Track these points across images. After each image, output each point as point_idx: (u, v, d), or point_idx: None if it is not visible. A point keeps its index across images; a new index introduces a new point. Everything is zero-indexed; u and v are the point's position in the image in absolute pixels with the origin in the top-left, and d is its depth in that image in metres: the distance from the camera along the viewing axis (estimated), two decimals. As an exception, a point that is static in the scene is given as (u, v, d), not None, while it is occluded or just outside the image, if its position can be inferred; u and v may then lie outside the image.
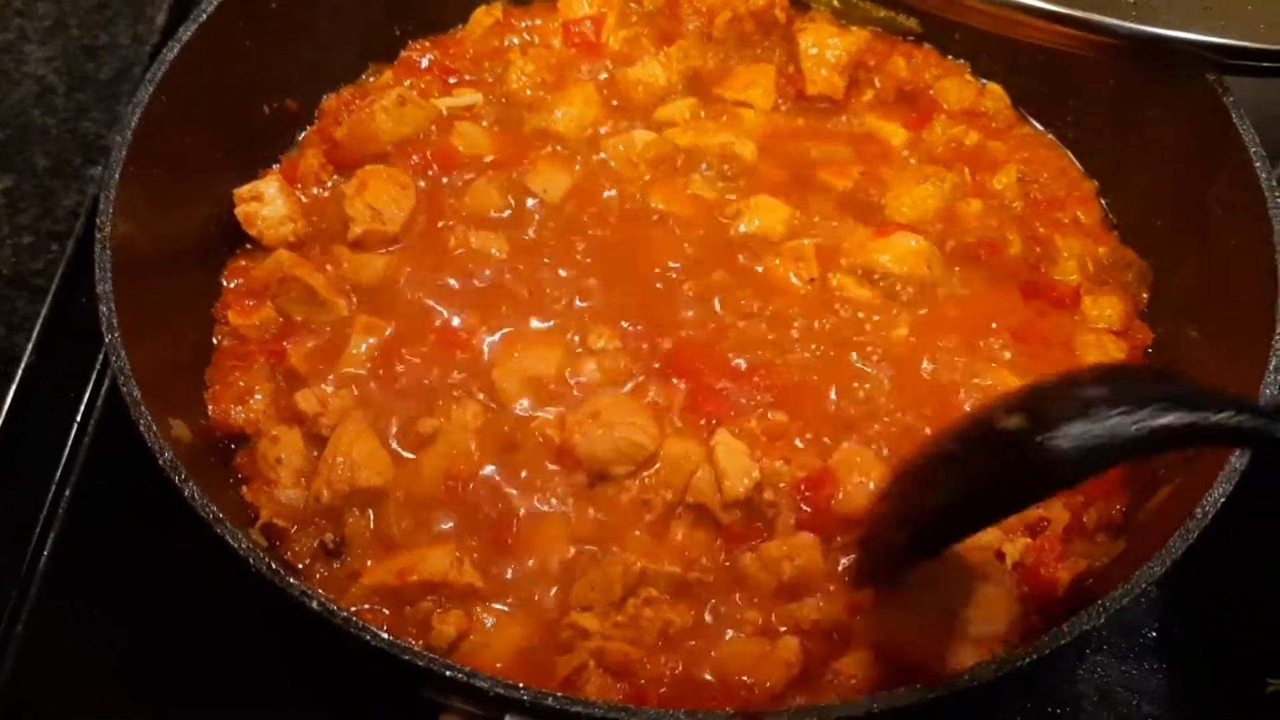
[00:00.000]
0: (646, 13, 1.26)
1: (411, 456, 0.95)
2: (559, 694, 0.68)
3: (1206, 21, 0.97)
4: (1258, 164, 0.93)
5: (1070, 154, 1.17)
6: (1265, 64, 0.98)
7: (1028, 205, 1.13)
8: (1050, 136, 1.18)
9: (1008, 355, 1.02)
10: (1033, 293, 1.06)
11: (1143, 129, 1.08)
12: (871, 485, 0.91)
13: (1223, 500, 0.76)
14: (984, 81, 1.21)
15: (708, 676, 0.82)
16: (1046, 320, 1.05)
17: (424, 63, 1.20)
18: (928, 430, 0.97)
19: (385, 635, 0.69)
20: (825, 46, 1.20)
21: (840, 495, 0.92)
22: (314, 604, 0.70)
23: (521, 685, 0.67)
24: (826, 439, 0.97)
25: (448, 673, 0.67)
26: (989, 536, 0.91)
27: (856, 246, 1.07)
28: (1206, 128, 0.99)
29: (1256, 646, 0.93)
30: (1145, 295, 1.07)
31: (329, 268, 1.04)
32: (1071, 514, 0.94)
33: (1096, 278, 1.08)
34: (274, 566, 0.72)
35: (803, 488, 0.93)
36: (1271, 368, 0.82)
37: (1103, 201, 1.13)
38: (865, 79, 1.22)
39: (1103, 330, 1.04)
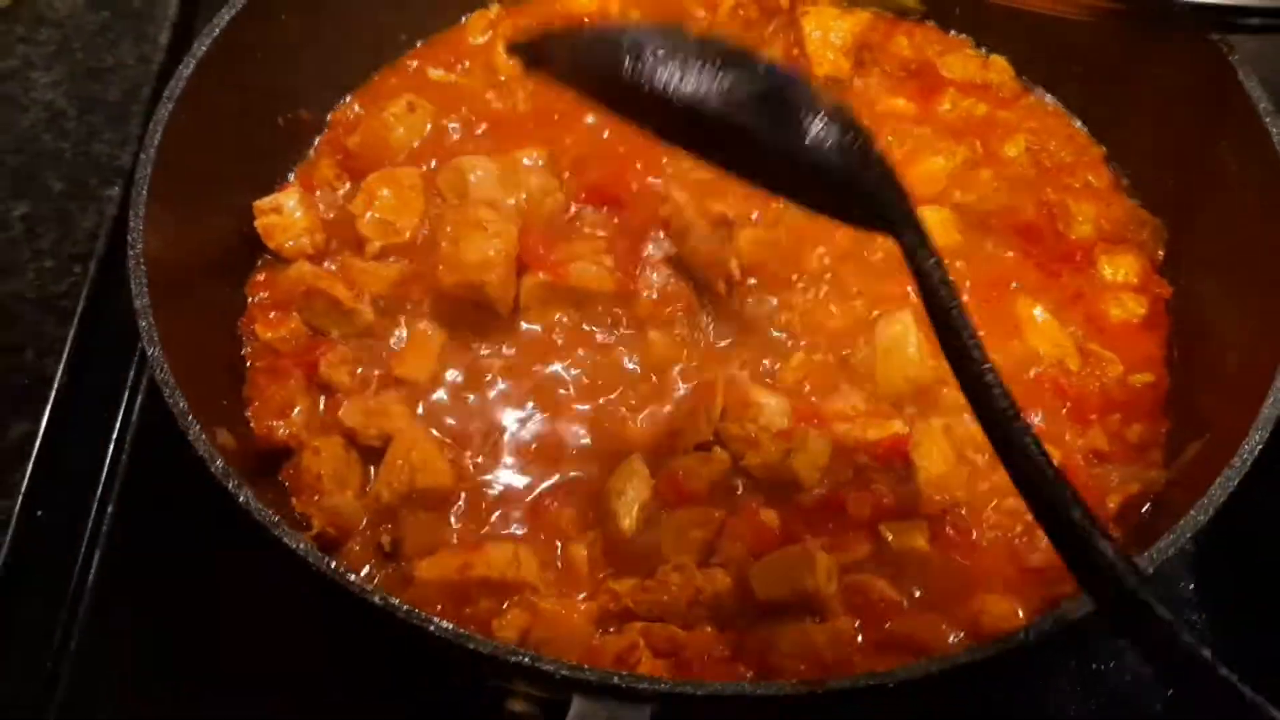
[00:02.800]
0: (650, 3, 1.28)
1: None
2: (624, 673, 0.69)
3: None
4: (1266, 119, 0.95)
5: (1077, 120, 1.18)
6: (1267, 21, 1.01)
7: (1039, 172, 1.14)
8: (1056, 104, 1.19)
9: (1039, 315, 1.04)
10: (1049, 255, 1.08)
11: (1147, 91, 1.09)
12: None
13: (1260, 447, 0.77)
14: (987, 54, 1.23)
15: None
16: (1064, 281, 1.07)
17: (413, 66, 1.21)
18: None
19: (448, 625, 0.70)
20: (829, 29, 1.21)
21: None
22: (375, 599, 0.71)
23: (587, 666, 0.68)
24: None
25: (512, 659, 0.68)
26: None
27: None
28: (1212, 86, 1.00)
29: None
30: (1161, 252, 1.08)
31: (346, 279, 1.05)
32: (1109, 434, 0.96)
33: (1111, 237, 1.09)
34: (333, 564, 0.73)
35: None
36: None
37: (1112, 165, 1.15)
38: (870, 59, 1.23)
39: (1120, 286, 1.06)
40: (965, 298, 0.99)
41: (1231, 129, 0.99)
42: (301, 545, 0.74)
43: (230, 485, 0.76)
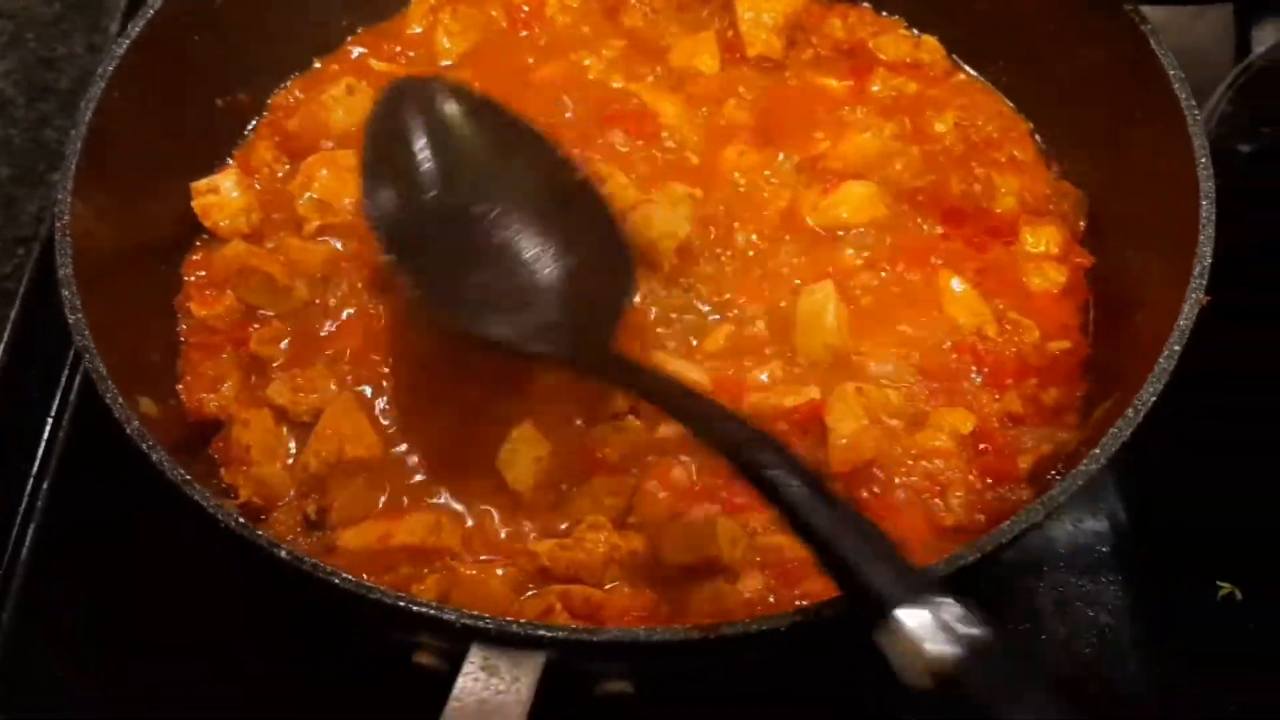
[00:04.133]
0: (593, -12, 1.30)
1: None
2: (523, 620, 0.70)
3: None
4: (1176, 85, 0.97)
5: (1004, 96, 1.20)
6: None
7: (967, 148, 1.16)
8: (984, 81, 1.21)
9: (960, 287, 1.06)
10: (974, 228, 1.10)
11: (1069, 66, 1.12)
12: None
13: (1154, 399, 0.79)
14: (919, 34, 1.25)
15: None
16: (989, 254, 1.08)
17: (356, 52, 1.23)
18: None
19: (350, 577, 0.72)
20: (762, 10, 1.23)
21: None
22: (282, 553, 0.72)
23: (487, 615, 0.70)
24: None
25: (414, 607, 0.70)
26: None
27: (810, 208, 1.11)
28: (1128, 59, 1.02)
29: (1207, 553, 0.97)
30: (1083, 223, 1.10)
31: (282, 257, 1.06)
32: (1024, 398, 0.98)
33: (1035, 209, 1.11)
34: (242, 521, 0.75)
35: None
36: (1194, 281, 0.85)
37: (1037, 138, 1.17)
38: (804, 39, 1.25)
39: (1041, 256, 1.08)
40: (888, 271, 1.07)
41: (1146, 100, 1.01)
42: (213, 504, 0.76)
43: (145, 445, 0.78)
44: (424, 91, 1.02)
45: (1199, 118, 0.94)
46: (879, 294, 1.06)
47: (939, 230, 1.10)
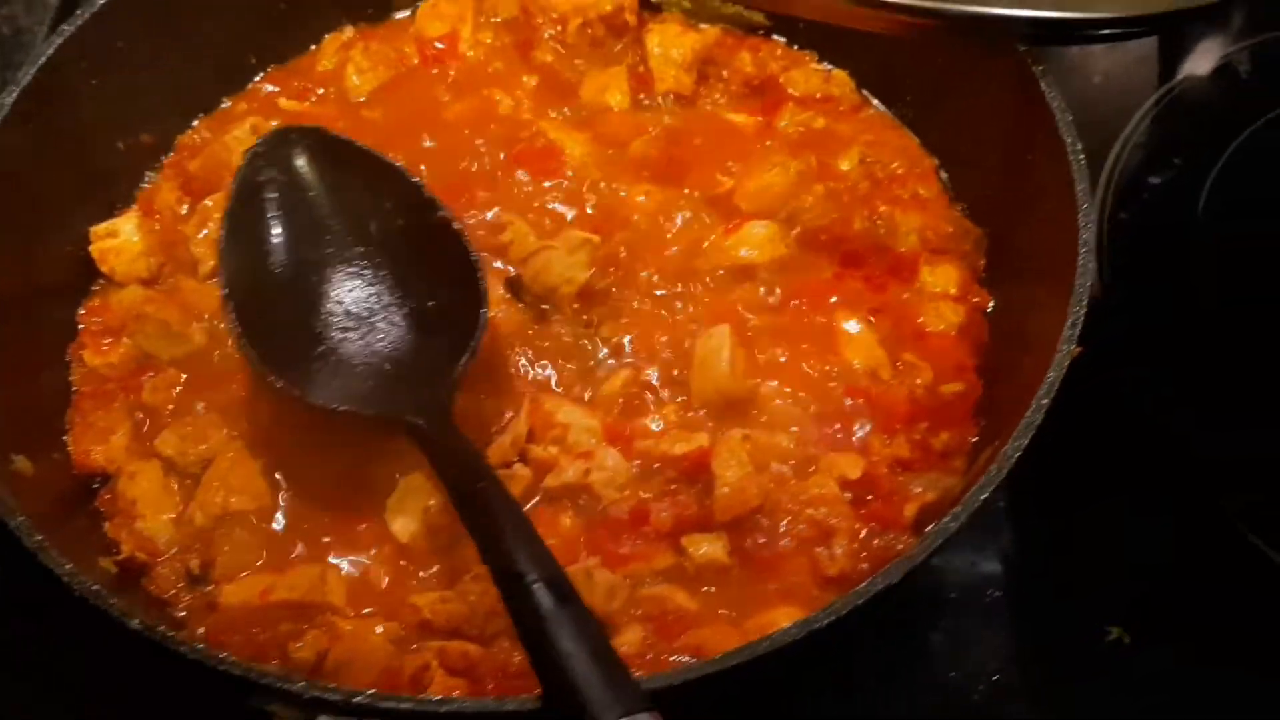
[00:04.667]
0: (502, 22, 1.29)
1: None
2: (370, 691, 0.70)
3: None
4: (1063, 129, 0.96)
5: (910, 132, 1.20)
6: (1069, 34, 1.03)
7: (871, 185, 1.15)
8: (893, 117, 1.21)
9: (856, 328, 1.06)
10: (875, 267, 1.10)
11: (970, 104, 1.11)
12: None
13: (1017, 454, 0.79)
14: (830, 68, 1.25)
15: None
16: (888, 294, 1.08)
17: (265, 90, 1.23)
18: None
19: (200, 647, 0.71)
20: (672, 45, 1.23)
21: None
22: (134, 623, 0.72)
23: (334, 686, 0.69)
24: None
25: (262, 680, 0.69)
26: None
27: (713, 248, 1.10)
28: (1021, 99, 1.02)
29: (1096, 596, 0.96)
30: (982, 261, 1.10)
31: (179, 300, 1.06)
32: (912, 443, 0.97)
33: (936, 248, 1.11)
34: (95, 587, 0.74)
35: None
36: (1065, 332, 0.84)
37: (942, 175, 1.17)
38: (714, 74, 1.25)
39: (940, 296, 1.07)
40: (788, 312, 1.07)
41: (1039, 140, 1.01)
42: (64, 568, 0.75)
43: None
44: (284, 149, 1.03)
45: (1083, 162, 0.94)
46: (777, 336, 1.05)
47: (840, 270, 1.10)
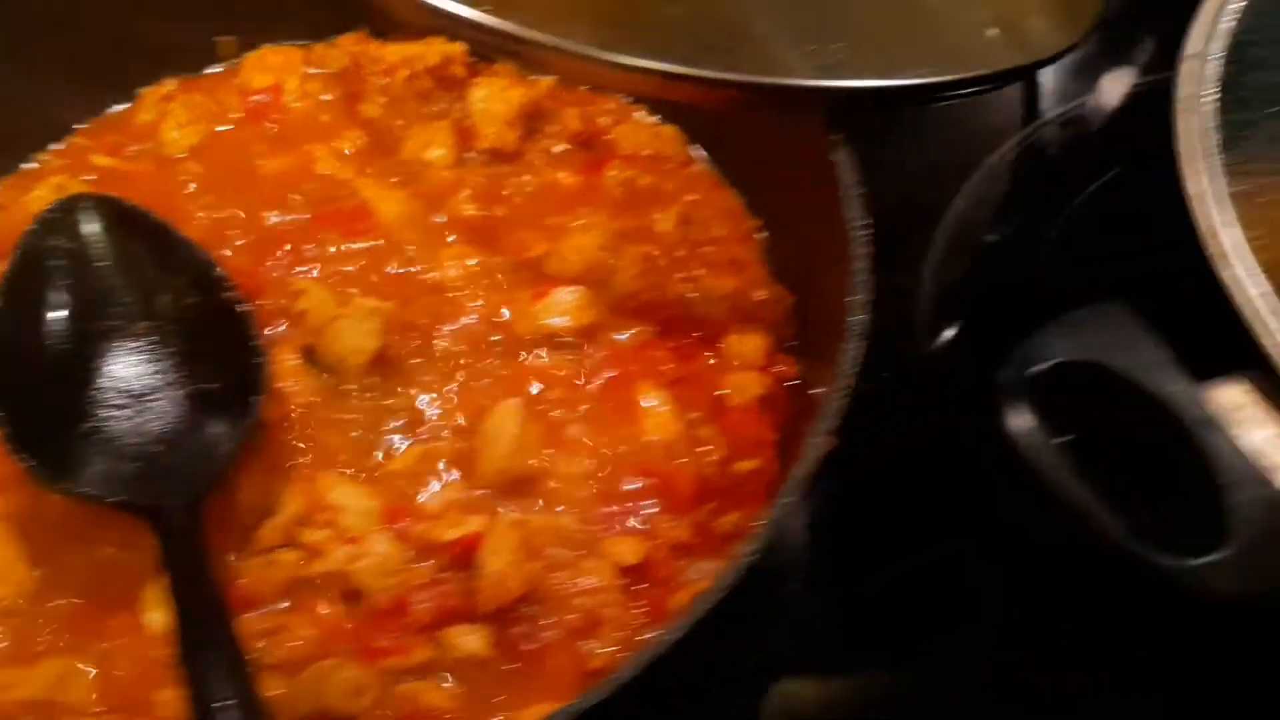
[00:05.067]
0: (332, 74, 1.26)
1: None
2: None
3: (812, 64, 0.98)
4: (847, 202, 0.93)
5: (736, 192, 1.17)
6: (867, 102, 0.99)
7: (690, 248, 1.12)
8: (719, 175, 1.19)
9: (654, 402, 1.02)
10: (682, 335, 1.06)
11: (787, 166, 1.08)
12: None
13: (755, 556, 0.75)
14: (660, 123, 1.22)
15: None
16: (693, 364, 1.05)
17: (78, 146, 1.19)
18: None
19: None
20: (496, 99, 1.19)
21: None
22: None
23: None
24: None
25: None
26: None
27: (519, 315, 1.07)
28: (823, 166, 0.99)
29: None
30: (792, 330, 1.07)
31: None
32: (695, 525, 0.94)
33: (747, 315, 1.07)
34: None
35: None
36: (824, 420, 0.81)
37: (763, 239, 1.14)
38: (543, 128, 1.22)
39: (744, 367, 1.04)
40: (590, 384, 1.03)
41: (834, 209, 0.98)
42: None
43: None
44: (74, 216, 1.00)
45: (865, 237, 0.91)
46: (576, 409, 1.02)
47: (649, 339, 1.06)
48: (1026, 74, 1.07)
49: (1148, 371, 0.62)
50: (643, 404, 1.01)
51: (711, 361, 1.05)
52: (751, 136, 1.13)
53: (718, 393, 1.02)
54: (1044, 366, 0.63)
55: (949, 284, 1.21)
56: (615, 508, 0.96)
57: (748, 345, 1.05)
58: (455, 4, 0.96)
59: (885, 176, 1.30)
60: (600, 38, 0.94)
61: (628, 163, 1.18)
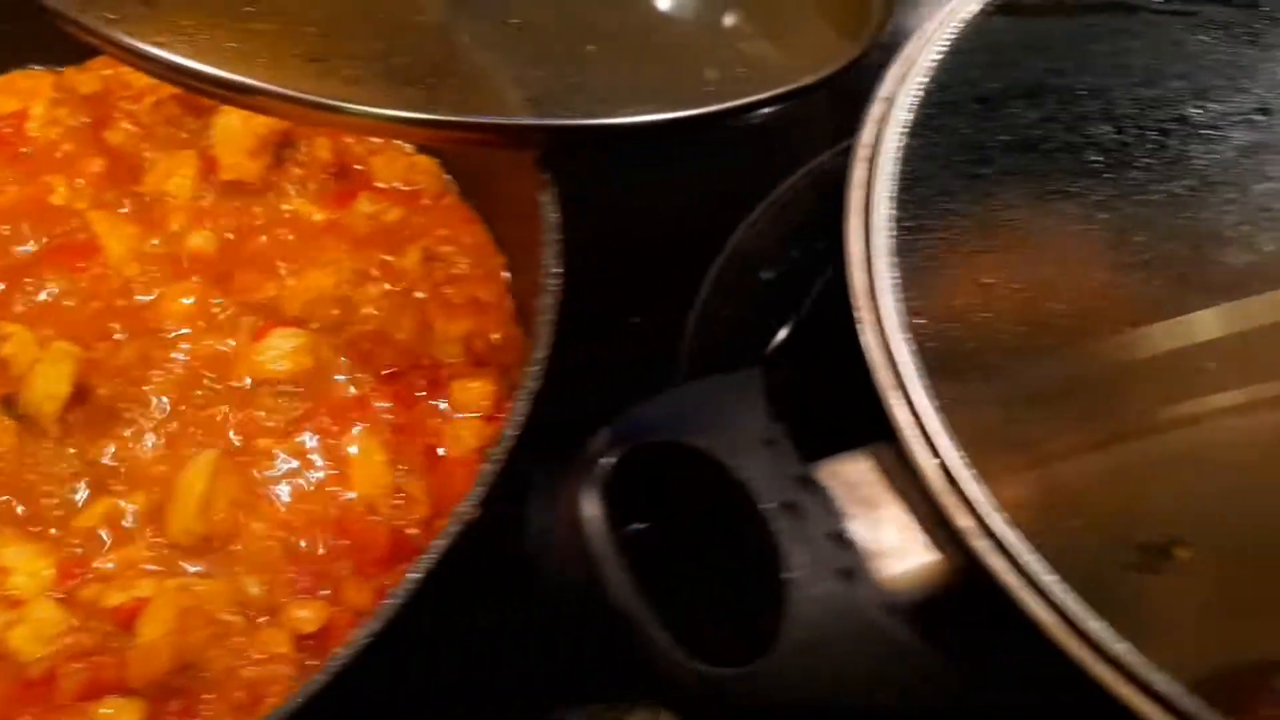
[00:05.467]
0: (82, 99, 1.20)
1: None
2: None
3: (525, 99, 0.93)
4: (546, 244, 0.89)
5: (487, 227, 1.12)
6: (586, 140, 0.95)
7: (430, 286, 1.07)
8: (471, 209, 1.13)
9: (367, 453, 0.97)
10: (411, 382, 1.01)
11: (517, 206, 1.03)
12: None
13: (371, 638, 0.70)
14: (414, 154, 1.17)
15: None
16: (415, 411, 1.00)
17: None
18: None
19: None
20: (240, 128, 1.14)
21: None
22: None
23: None
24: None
25: None
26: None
27: (238, 359, 1.01)
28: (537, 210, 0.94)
29: None
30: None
31: None
32: (379, 590, 0.88)
33: (480, 359, 1.02)
34: None
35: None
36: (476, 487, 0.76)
37: (508, 278, 1.09)
38: (292, 158, 1.16)
39: (468, 415, 0.99)
40: (302, 435, 0.98)
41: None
42: None
43: None
44: None
45: (553, 285, 0.86)
46: (278, 463, 0.96)
47: (375, 385, 1.01)
48: (779, 103, 1.02)
49: (731, 451, 0.58)
50: (353, 455, 0.96)
51: (441, 407, 1.00)
52: (493, 172, 1.08)
53: (435, 444, 0.98)
54: (617, 452, 0.58)
55: (722, 323, 1.16)
56: (306, 571, 0.90)
57: (475, 393, 0.99)
58: (151, 46, 0.90)
59: (671, 204, 1.28)
60: (297, 77, 0.89)
61: (378, 196, 1.13)
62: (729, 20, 1.06)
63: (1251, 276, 0.70)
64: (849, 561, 0.56)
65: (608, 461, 0.58)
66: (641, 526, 0.58)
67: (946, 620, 0.61)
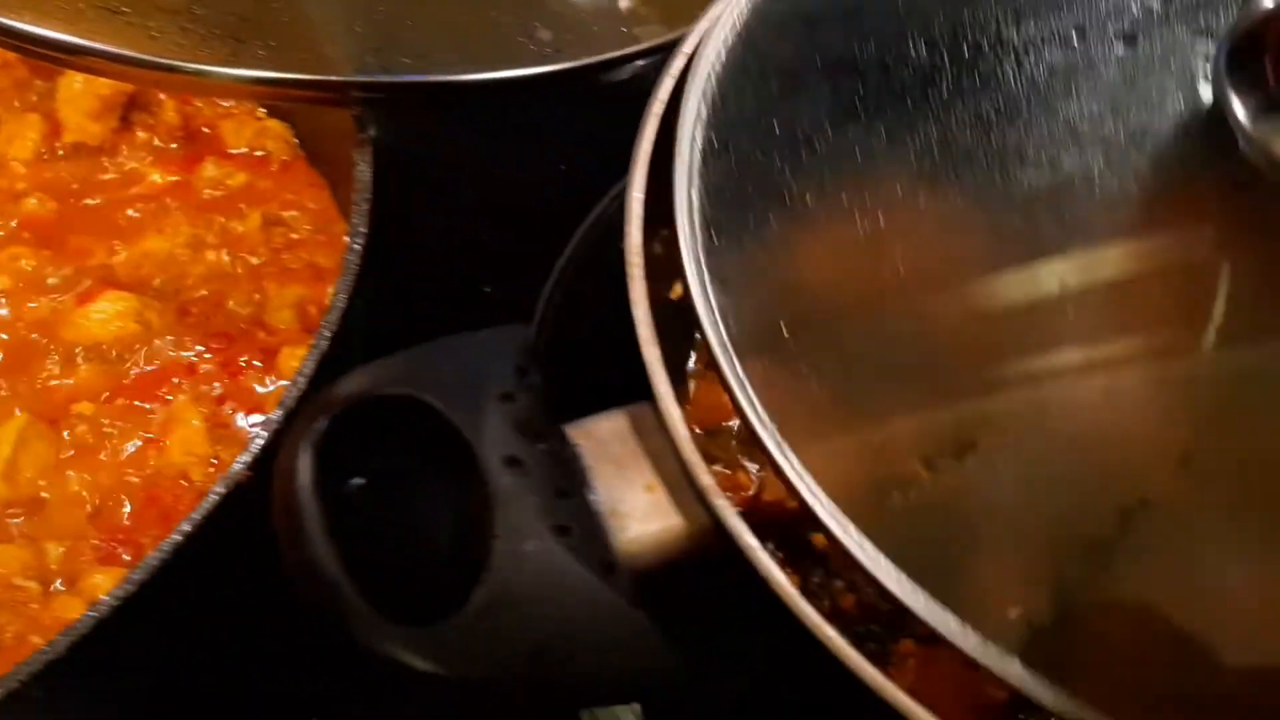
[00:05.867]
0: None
1: None
2: None
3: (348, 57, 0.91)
4: (356, 207, 0.87)
5: (332, 193, 1.10)
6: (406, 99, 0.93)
7: (268, 252, 1.05)
8: (319, 175, 1.11)
9: (187, 421, 0.95)
10: (241, 349, 0.99)
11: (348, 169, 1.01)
12: None
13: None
14: (265, 119, 1.14)
15: None
16: (241, 380, 0.98)
17: None
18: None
19: None
20: (84, 90, 1.11)
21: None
22: None
23: None
24: None
25: None
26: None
27: (66, 324, 0.99)
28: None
29: None
30: (362, 344, 1.01)
31: None
32: None
33: (313, 327, 1.00)
34: None
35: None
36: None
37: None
38: (141, 121, 1.14)
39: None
40: (124, 401, 0.96)
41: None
42: None
43: None
44: None
45: (356, 251, 0.84)
46: (106, 427, 0.95)
47: (205, 351, 1.00)
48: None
49: (460, 406, 0.56)
50: (172, 422, 0.94)
51: (262, 380, 0.98)
52: (337, 137, 1.06)
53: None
54: (338, 407, 0.56)
55: (581, 295, 1.13)
56: (109, 538, 0.88)
57: (301, 359, 0.98)
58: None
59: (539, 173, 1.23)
60: (92, 29, 0.86)
61: (224, 161, 1.11)
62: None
63: (1051, 195, 0.66)
64: (565, 519, 0.55)
65: (325, 418, 0.56)
66: (361, 482, 0.56)
67: (684, 584, 0.59)
